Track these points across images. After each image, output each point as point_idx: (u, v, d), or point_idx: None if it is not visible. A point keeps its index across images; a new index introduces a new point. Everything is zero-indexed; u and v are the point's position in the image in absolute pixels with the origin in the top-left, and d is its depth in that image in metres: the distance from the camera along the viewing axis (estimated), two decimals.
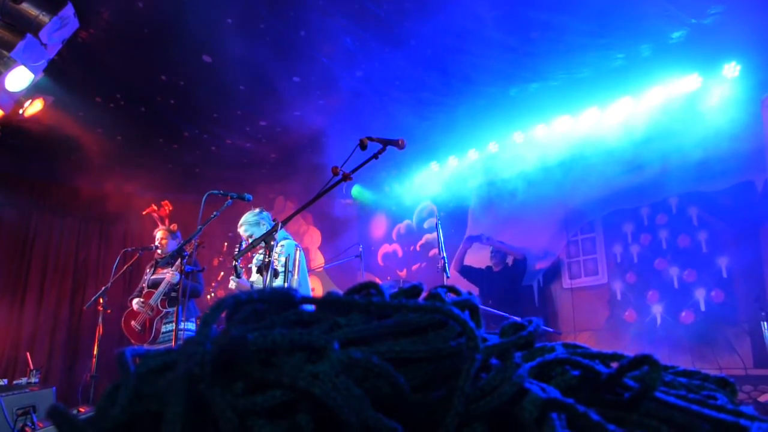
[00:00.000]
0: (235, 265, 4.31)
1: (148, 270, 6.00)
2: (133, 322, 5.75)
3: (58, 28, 4.76)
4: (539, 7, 5.23)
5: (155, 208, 6.37)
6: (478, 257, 7.54)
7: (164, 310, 5.66)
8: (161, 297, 5.69)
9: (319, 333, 0.58)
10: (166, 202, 6.44)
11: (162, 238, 6.08)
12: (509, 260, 7.06)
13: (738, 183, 5.76)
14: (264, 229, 4.89)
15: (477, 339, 0.60)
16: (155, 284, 5.77)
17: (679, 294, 6.05)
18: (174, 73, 6.40)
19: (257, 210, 5.11)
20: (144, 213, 6.46)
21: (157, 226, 6.27)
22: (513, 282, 6.89)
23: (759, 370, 5.34)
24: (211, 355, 0.55)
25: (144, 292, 5.79)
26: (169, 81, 6.53)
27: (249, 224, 4.99)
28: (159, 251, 6.04)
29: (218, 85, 6.55)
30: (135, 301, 5.77)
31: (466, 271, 7.42)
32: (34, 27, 4.66)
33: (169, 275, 5.69)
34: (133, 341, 5.70)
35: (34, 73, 5.15)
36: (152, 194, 9.34)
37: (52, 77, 6.01)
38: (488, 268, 7.21)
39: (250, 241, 4.84)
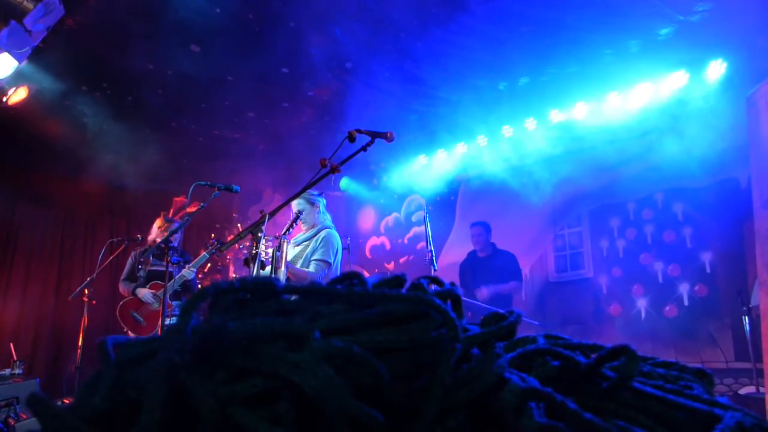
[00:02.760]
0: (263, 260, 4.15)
1: (142, 259, 5.81)
2: (134, 312, 5.60)
3: (42, 15, 4.69)
4: (529, 1, 5.24)
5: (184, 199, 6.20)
6: (460, 250, 7.37)
7: (173, 304, 5.53)
8: (171, 291, 5.45)
9: (301, 322, 0.59)
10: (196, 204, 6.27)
11: (159, 227, 5.92)
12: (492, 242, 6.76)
13: (722, 179, 5.82)
14: (316, 211, 4.77)
15: (457, 329, 0.61)
16: (160, 276, 5.56)
17: (664, 288, 6.13)
18: (161, 63, 6.33)
19: (317, 192, 4.88)
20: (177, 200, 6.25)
21: (162, 215, 6.11)
22: (503, 264, 6.35)
23: (740, 363, 5.43)
24: (192, 344, 0.55)
25: (151, 284, 5.68)
26: (157, 70, 6.46)
27: (305, 199, 4.72)
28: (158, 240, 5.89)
29: (206, 75, 6.50)
30: (145, 293, 5.61)
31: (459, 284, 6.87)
32: (19, 13, 4.59)
33: (185, 271, 5.52)
34: (128, 331, 5.56)
35: (18, 60, 5.07)
36: (139, 185, 9.27)
37: (37, 65, 5.93)
38: (473, 252, 6.71)
39: (298, 215, 4.67)
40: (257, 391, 0.54)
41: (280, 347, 0.56)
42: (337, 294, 0.65)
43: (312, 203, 4.78)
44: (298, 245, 4.70)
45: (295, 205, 4.74)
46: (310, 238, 4.67)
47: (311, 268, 4.48)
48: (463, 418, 0.57)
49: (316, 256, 4.52)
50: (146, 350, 0.58)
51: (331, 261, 4.56)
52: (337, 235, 4.78)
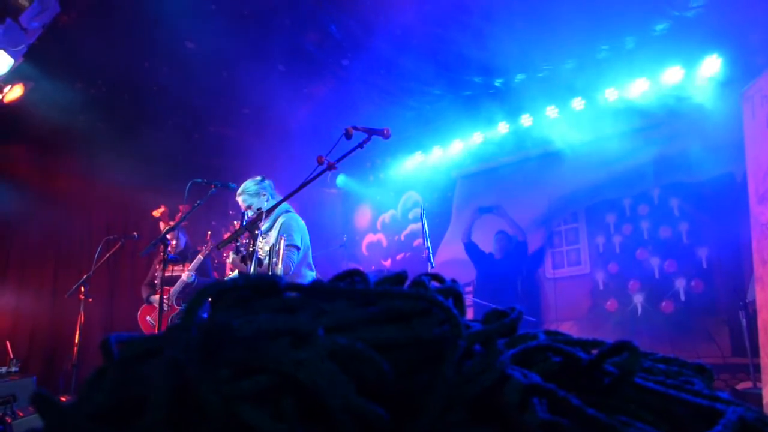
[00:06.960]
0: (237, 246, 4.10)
1: (157, 266, 5.94)
2: (148, 317, 6.07)
3: (38, 12, 4.67)
4: None
5: (164, 208, 6.41)
6: (487, 239, 7.29)
7: (179, 307, 5.92)
8: (176, 295, 5.91)
9: (305, 319, 0.59)
10: (162, 206, 6.46)
11: (171, 237, 6.05)
12: (511, 249, 7.04)
13: (718, 175, 5.83)
14: (264, 200, 4.47)
15: (460, 326, 0.61)
16: (169, 282, 5.85)
17: (660, 284, 6.14)
18: (157, 59, 6.31)
19: (259, 178, 4.57)
20: (155, 214, 6.47)
21: (165, 223, 6.26)
22: (513, 272, 6.91)
23: (736, 358, 5.45)
24: (196, 341, 0.55)
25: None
26: (152, 67, 6.44)
27: (248, 194, 4.49)
28: (171, 248, 6.04)
29: (201, 72, 6.48)
30: (154, 298, 5.97)
31: (472, 247, 7.27)
32: (14, 11, 4.58)
33: (184, 275, 5.88)
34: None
35: (13, 57, 5.05)
36: (135, 182, 9.24)
37: (33, 62, 5.89)
38: (490, 254, 7.17)
39: (249, 212, 4.41)
40: (261, 387, 0.54)
41: (284, 344, 0.56)
42: (340, 291, 0.65)
43: (257, 194, 4.49)
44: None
45: (242, 201, 4.50)
46: (269, 230, 4.39)
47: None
48: (466, 415, 0.58)
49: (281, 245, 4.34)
50: (150, 347, 0.58)
51: (299, 244, 4.31)
52: (296, 216, 4.48)
